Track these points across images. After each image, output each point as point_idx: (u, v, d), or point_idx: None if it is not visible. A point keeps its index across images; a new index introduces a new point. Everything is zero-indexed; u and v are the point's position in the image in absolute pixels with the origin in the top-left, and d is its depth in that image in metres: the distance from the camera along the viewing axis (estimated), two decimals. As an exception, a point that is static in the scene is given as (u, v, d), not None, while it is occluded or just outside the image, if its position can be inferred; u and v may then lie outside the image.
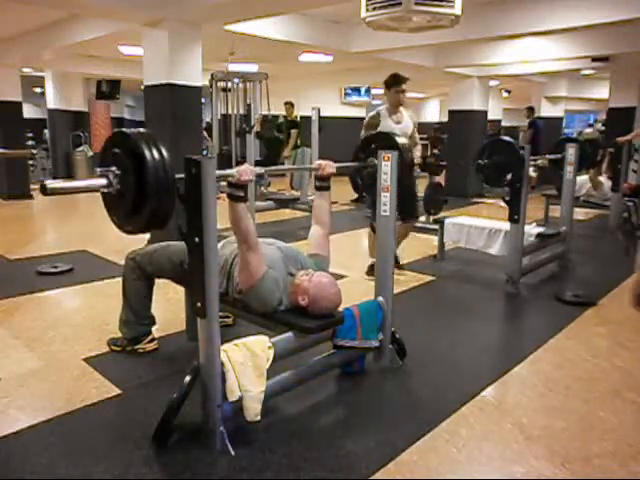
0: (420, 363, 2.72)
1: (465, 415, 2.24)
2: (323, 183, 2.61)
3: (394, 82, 4.08)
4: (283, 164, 9.33)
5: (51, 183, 1.62)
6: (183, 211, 1.84)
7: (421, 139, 10.74)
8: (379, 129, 3.91)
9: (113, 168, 1.75)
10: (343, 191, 7.64)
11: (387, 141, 2.76)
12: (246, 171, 2.07)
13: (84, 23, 6.02)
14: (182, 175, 1.80)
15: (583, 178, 6.42)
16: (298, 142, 8.97)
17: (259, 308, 2.27)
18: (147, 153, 1.70)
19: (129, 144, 1.74)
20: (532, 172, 7.28)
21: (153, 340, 2.81)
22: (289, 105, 9.14)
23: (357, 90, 13.03)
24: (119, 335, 2.80)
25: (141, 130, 1.82)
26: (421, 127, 14.42)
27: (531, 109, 10.76)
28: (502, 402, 2.39)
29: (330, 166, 2.57)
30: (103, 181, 1.74)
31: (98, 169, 1.76)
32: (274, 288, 2.24)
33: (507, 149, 3.91)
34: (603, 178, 6.46)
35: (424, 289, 4.06)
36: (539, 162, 6.07)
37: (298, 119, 9.32)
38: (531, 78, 10.35)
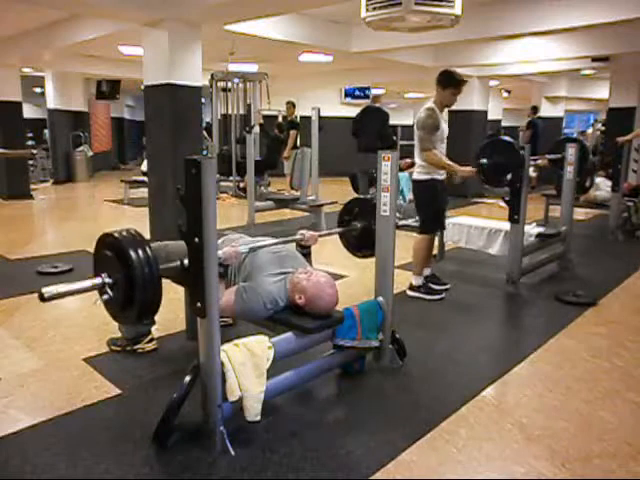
0: (420, 363, 2.72)
1: (465, 415, 2.24)
2: (304, 250, 2.68)
3: (455, 84, 3.66)
4: (282, 164, 9.35)
5: (48, 291, 1.67)
6: (183, 211, 1.84)
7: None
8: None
9: (104, 275, 1.83)
10: (343, 191, 7.65)
11: (368, 206, 2.83)
12: (232, 256, 2.25)
13: (84, 23, 6.02)
14: (167, 265, 1.92)
15: None
16: (297, 142, 8.97)
17: (259, 316, 2.31)
18: (132, 254, 1.78)
19: (116, 247, 1.83)
20: (532, 172, 7.27)
21: (152, 340, 2.81)
22: (290, 105, 9.14)
23: (363, 90, 12.99)
24: (119, 335, 2.80)
25: (127, 232, 1.89)
26: (421, 127, 14.16)
27: (534, 108, 10.76)
28: (502, 402, 2.39)
29: (314, 238, 2.67)
30: (98, 281, 1.83)
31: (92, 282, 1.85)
32: (254, 295, 2.27)
33: (507, 149, 3.91)
34: (601, 180, 6.45)
35: (424, 289, 4.05)
36: (539, 162, 6.06)
37: (298, 119, 9.33)
38: (531, 78, 10.35)
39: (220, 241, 2.44)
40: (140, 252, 1.79)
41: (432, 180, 3.72)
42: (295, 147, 8.95)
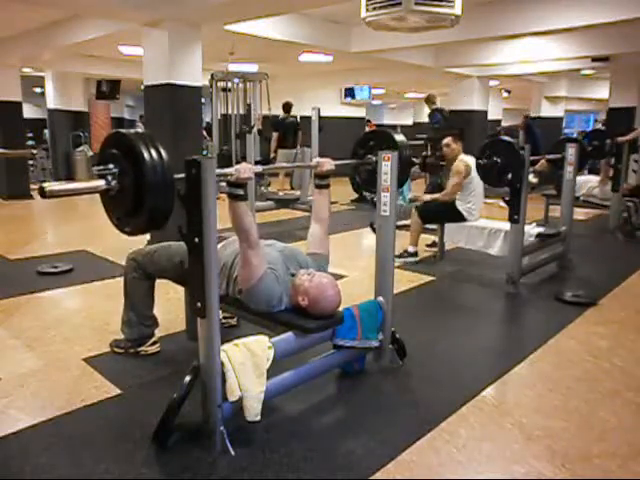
0: (420, 363, 2.72)
1: (465, 415, 2.24)
2: (322, 181, 2.62)
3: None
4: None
5: (49, 186, 1.61)
6: (183, 211, 1.84)
7: (421, 139, 10.76)
8: None
9: (111, 166, 1.74)
10: (343, 191, 7.64)
11: (385, 138, 2.76)
12: (245, 169, 2.06)
13: (84, 23, 6.02)
14: (182, 175, 1.80)
15: (583, 178, 6.42)
16: (299, 142, 8.97)
17: (260, 307, 2.27)
18: (145, 153, 1.70)
19: (127, 144, 1.74)
20: (532, 178, 7.25)
21: (156, 343, 2.81)
22: (285, 104, 9.18)
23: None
24: (121, 337, 2.79)
25: (138, 130, 1.82)
26: (421, 127, 14.44)
27: (526, 117, 10.71)
28: (502, 402, 2.39)
29: (329, 163, 2.58)
30: (102, 182, 1.74)
31: (95, 168, 1.76)
32: (275, 287, 2.25)
33: (507, 149, 3.91)
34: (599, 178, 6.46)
35: (424, 289, 4.06)
36: (537, 167, 6.06)
37: (290, 119, 9.25)
38: (531, 78, 10.35)
39: (220, 245, 2.43)
40: (153, 151, 1.70)
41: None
42: (285, 147, 8.94)
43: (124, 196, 1.75)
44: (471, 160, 4.45)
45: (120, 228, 1.86)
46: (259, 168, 2.30)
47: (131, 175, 1.71)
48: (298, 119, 9.29)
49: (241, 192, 2.08)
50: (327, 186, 2.63)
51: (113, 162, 1.75)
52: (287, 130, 9.00)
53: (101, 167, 1.74)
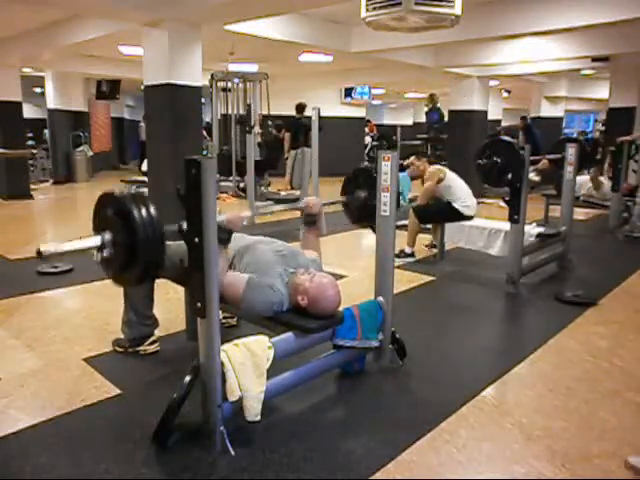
0: (420, 363, 2.72)
1: (465, 415, 2.24)
2: (310, 219, 2.66)
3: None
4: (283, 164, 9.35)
5: (46, 248, 1.65)
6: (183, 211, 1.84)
7: (421, 139, 10.69)
8: None
9: (106, 233, 1.80)
10: (343, 191, 7.64)
11: (369, 176, 2.80)
12: (235, 220, 2.17)
13: (84, 23, 6.02)
14: (172, 226, 1.88)
15: (583, 178, 6.42)
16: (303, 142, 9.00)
17: (262, 313, 2.28)
18: (135, 213, 1.75)
19: (119, 206, 1.80)
20: (534, 176, 7.25)
21: (155, 342, 2.81)
22: (298, 105, 9.26)
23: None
24: (122, 336, 2.80)
25: (130, 192, 1.89)
26: (421, 127, 14.39)
27: (524, 118, 10.73)
28: (502, 402, 2.39)
29: (317, 205, 2.65)
30: (97, 241, 1.79)
31: (93, 234, 1.82)
32: (266, 292, 2.24)
33: (507, 149, 3.91)
34: (604, 178, 6.46)
35: (424, 289, 4.06)
36: (539, 166, 6.06)
37: (302, 120, 9.29)
38: (531, 78, 10.35)
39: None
40: (143, 210, 1.75)
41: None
42: (295, 147, 8.97)
43: (118, 255, 1.79)
44: (438, 168, 4.83)
45: (116, 280, 1.92)
46: (248, 214, 2.36)
47: (124, 234, 1.76)
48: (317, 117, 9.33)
49: (225, 236, 2.15)
50: (315, 222, 2.68)
51: (107, 223, 1.81)
52: (299, 130, 9.03)
53: (97, 240, 1.80)
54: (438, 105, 10.66)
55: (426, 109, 10.40)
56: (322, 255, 2.71)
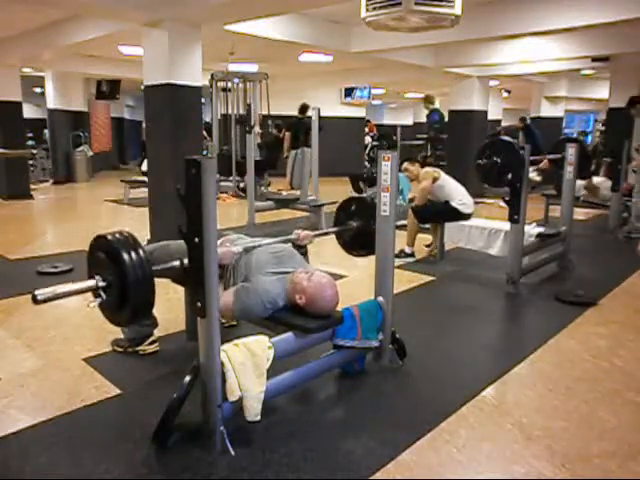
0: (420, 363, 2.72)
1: (465, 415, 2.24)
2: (300, 250, 2.68)
3: None
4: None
5: (41, 294, 1.69)
6: (183, 211, 1.84)
7: (421, 139, 10.71)
8: None
9: (101, 282, 1.85)
10: (343, 191, 7.65)
11: (364, 205, 2.90)
12: (225, 256, 2.25)
13: (84, 23, 6.02)
14: (166, 265, 1.98)
15: (579, 183, 6.41)
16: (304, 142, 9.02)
17: (259, 315, 2.30)
18: (125, 255, 1.80)
19: (110, 248, 1.85)
20: (536, 176, 7.25)
21: (154, 342, 2.80)
22: (301, 106, 9.27)
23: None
24: (122, 336, 2.79)
25: (120, 234, 1.91)
26: (421, 127, 14.40)
27: (523, 119, 10.72)
28: (502, 402, 2.39)
29: (308, 238, 2.69)
30: (92, 283, 1.85)
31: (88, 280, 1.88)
32: (253, 294, 2.26)
33: (507, 149, 3.91)
34: (600, 179, 6.46)
35: (424, 289, 4.06)
36: (541, 166, 6.07)
37: (305, 120, 9.30)
38: (531, 78, 10.35)
39: (219, 242, 2.43)
40: (132, 254, 1.81)
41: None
42: (295, 147, 8.97)
43: (111, 297, 1.85)
44: (433, 169, 4.91)
45: (112, 320, 2.00)
46: (240, 249, 2.40)
47: (116, 275, 1.82)
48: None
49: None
50: (304, 253, 2.70)
51: (100, 265, 1.87)
52: (299, 130, 9.03)
53: (91, 284, 1.85)
54: (437, 105, 10.65)
55: (427, 112, 10.40)
56: (320, 257, 2.74)
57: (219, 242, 2.42)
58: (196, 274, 1.84)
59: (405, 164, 4.95)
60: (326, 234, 3.00)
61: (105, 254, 1.86)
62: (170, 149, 4.95)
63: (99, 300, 1.85)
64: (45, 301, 1.70)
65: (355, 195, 3.28)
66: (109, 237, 1.88)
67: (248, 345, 2.00)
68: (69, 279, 4.07)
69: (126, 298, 1.81)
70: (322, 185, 6.91)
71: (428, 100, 10.01)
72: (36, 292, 1.68)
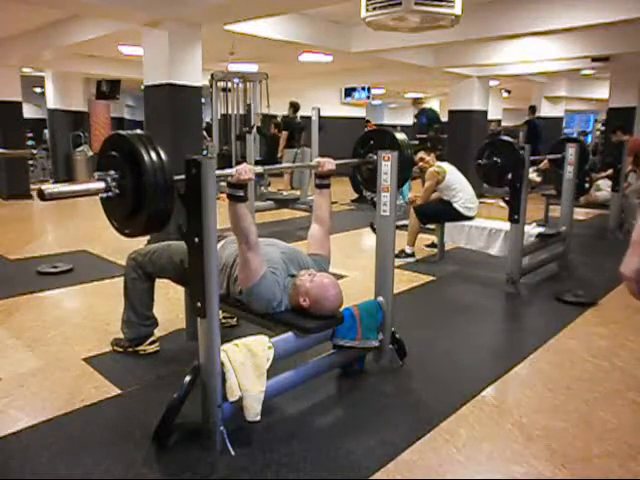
0: (420, 363, 2.72)
1: (465, 415, 2.24)
2: (323, 181, 2.61)
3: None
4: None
5: (48, 188, 1.61)
6: (183, 211, 1.84)
7: (421, 139, 10.76)
8: None
9: (111, 172, 1.75)
10: (343, 191, 7.64)
11: (386, 137, 2.75)
12: (245, 170, 2.05)
13: (84, 23, 6.03)
14: (181, 176, 1.80)
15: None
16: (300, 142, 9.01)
17: (259, 308, 2.27)
18: (144, 154, 1.70)
19: (126, 146, 1.74)
20: (535, 177, 7.24)
21: (155, 342, 2.81)
22: (290, 105, 9.21)
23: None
24: (121, 336, 2.80)
25: (138, 132, 1.82)
26: (421, 127, 14.31)
27: (533, 108, 10.75)
28: (502, 402, 2.39)
29: (330, 163, 2.57)
30: (101, 184, 1.74)
31: (96, 173, 1.76)
32: (275, 288, 2.25)
33: (507, 149, 3.91)
34: (602, 182, 6.45)
35: (424, 289, 4.06)
36: (541, 166, 6.06)
37: (298, 120, 9.31)
38: (531, 78, 10.35)
39: (220, 245, 2.43)
40: (153, 154, 1.70)
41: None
42: (292, 147, 8.96)
43: (124, 198, 1.75)
44: (445, 165, 4.78)
45: (120, 230, 1.87)
46: (260, 169, 2.29)
47: (131, 177, 1.72)
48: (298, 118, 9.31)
49: (241, 193, 2.08)
50: (328, 186, 2.62)
51: (113, 165, 1.75)
52: (295, 130, 9.03)
53: (102, 173, 1.74)
54: (427, 106, 10.70)
55: (414, 114, 10.50)
56: (331, 227, 2.64)
57: (219, 245, 2.41)
58: (196, 274, 1.84)
59: (420, 153, 4.83)
60: (347, 164, 2.79)
61: (120, 152, 1.71)
62: (170, 149, 4.95)
63: (114, 185, 1.71)
64: (52, 197, 1.61)
65: (373, 128, 3.12)
66: (125, 134, 1.74)
67: (248, 345, 2.00)
68: (69, 279, 4.11)
69: (141, 203, 1.69)
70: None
71: (416, 103, 10.14)
72: (43, 187, 1.58)
